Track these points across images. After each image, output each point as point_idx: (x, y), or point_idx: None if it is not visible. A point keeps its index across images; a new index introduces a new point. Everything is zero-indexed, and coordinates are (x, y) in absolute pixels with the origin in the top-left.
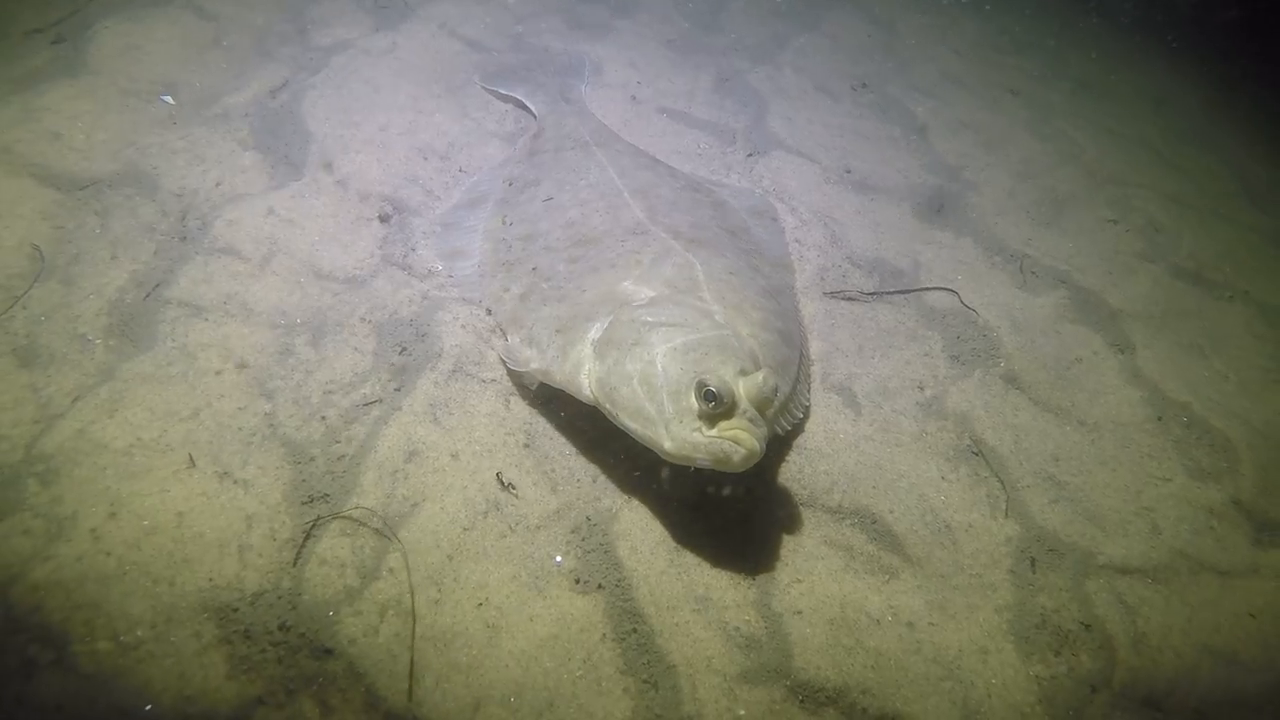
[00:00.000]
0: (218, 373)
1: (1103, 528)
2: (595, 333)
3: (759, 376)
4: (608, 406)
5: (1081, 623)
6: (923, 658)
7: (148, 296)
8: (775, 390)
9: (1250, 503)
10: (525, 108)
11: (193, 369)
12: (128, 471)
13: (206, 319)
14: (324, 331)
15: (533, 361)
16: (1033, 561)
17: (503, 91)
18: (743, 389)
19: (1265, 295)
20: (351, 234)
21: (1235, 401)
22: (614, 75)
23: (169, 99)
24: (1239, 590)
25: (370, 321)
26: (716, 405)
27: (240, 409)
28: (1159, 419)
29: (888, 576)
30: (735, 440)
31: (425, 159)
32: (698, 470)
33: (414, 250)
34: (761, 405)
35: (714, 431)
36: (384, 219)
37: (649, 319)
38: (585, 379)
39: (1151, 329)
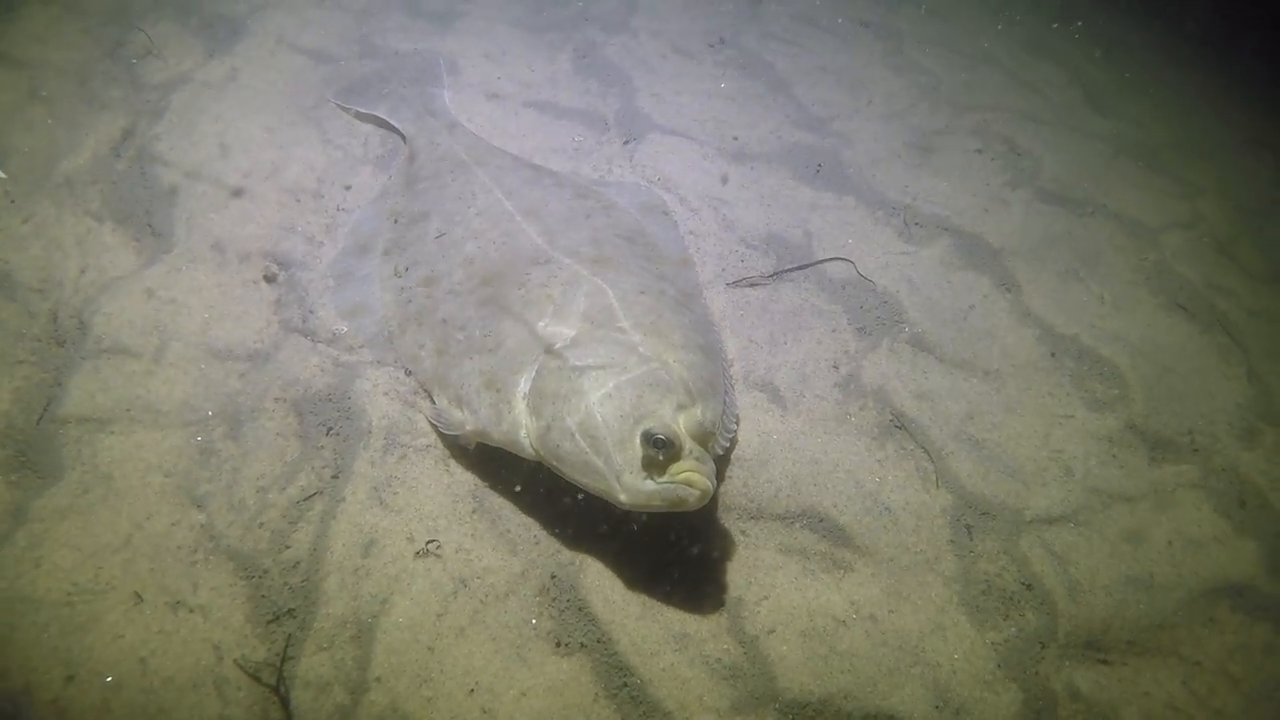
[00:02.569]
0: (139, 490)
1: (1024, 481)
2: (524, 385)
3: (697, 413)
4: (554, 464)
5: (1022, 583)
6: (890, 648)
7: (41, 419)
8: (714, 423)
9: (1143, 424)
10: (390, 126)
11: (111, 491)
12: (72, 625)
13: (112, 432)
14: (240, 420)
15: (466, 424)
16: (969, 529)
17: (362, 111)
18: (683, 428)
19: (1119, 206)
20: (241, 303)
21: (1113, 323)
22: (472, 72)
23: None
24: (1145, 513)
25: (285, 400)
26: (663, 451)
27: (173, 525)
28: (1052, 355)
29: (843, 572)
30: (688, 483)
31: (298, 201)
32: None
33: (312, 312)
34: (704, 440)
35: (665, 477)
36: (270, 279)
37: (576, 363)
38: (525, 438)
39: (1031, 262)
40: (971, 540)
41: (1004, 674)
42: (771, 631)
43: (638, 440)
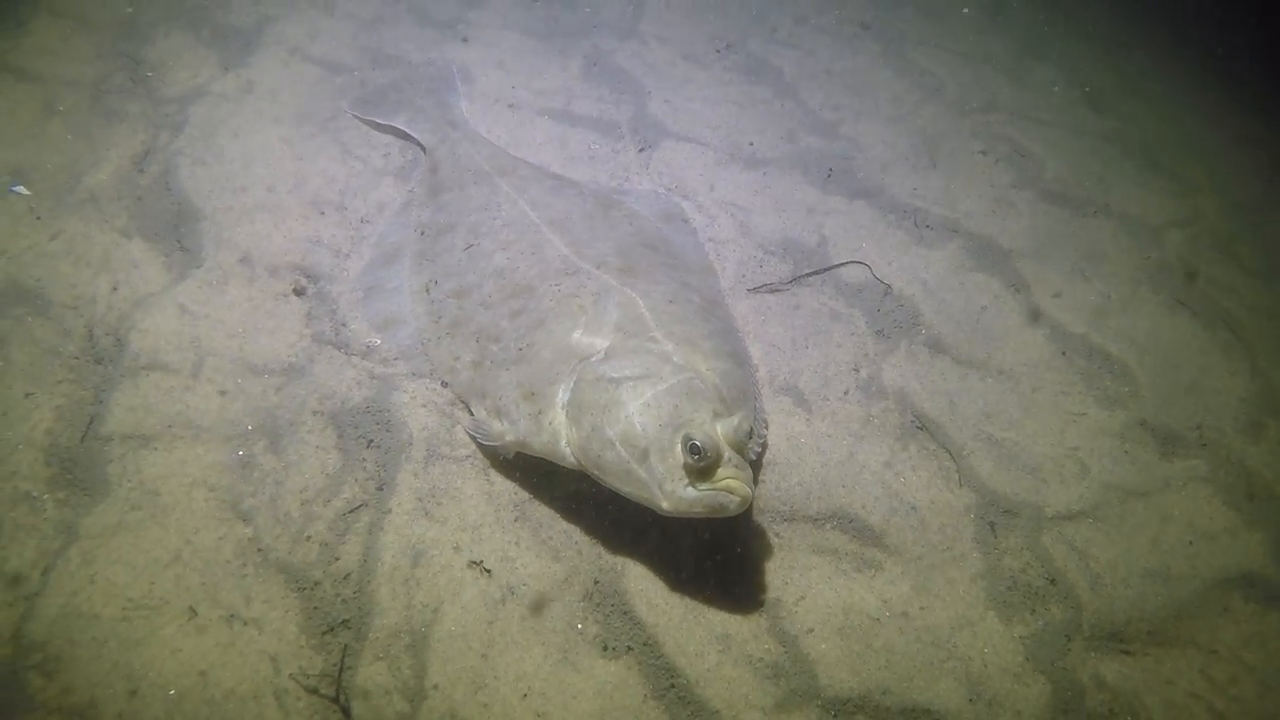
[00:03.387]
0: (185, 505)
1: (1043, 478)
2: (563, 395)
3: (734, 421)
4: (595, 472)
5: (1046, 578)
6: (923, 644)
7: (85, 436)
8: (750, 431)
9: (1152, 420)
10: (408, 136)
11: (159, 507)
12: (131, 640)
13: (155, 448)
14: (279, 434)
15: (507, 434)
16: (992, 526)
17: (380, 121)
18: (721, 435)
19: (1120, 205)
20: (273, 317)
21: (1120, 321)
22: (485, 81)
23: (21, 189)
24: (1159, 506)
25: (323, 414)
26: (703, 459)
27: (221, 539)
28: (1063, 354)
29: (874, 570)
30: (728, 490)
31: (322, 214)
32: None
33: (344, 325)
34: (740, 447)
35: (706, 484)
36: (300, 292)
37: (613, 374)
38: (566, 448)
39: (1038, 263)
40: (995, 537)
41: (1032, 666)
42: (810, 631)
43: (678, 448)
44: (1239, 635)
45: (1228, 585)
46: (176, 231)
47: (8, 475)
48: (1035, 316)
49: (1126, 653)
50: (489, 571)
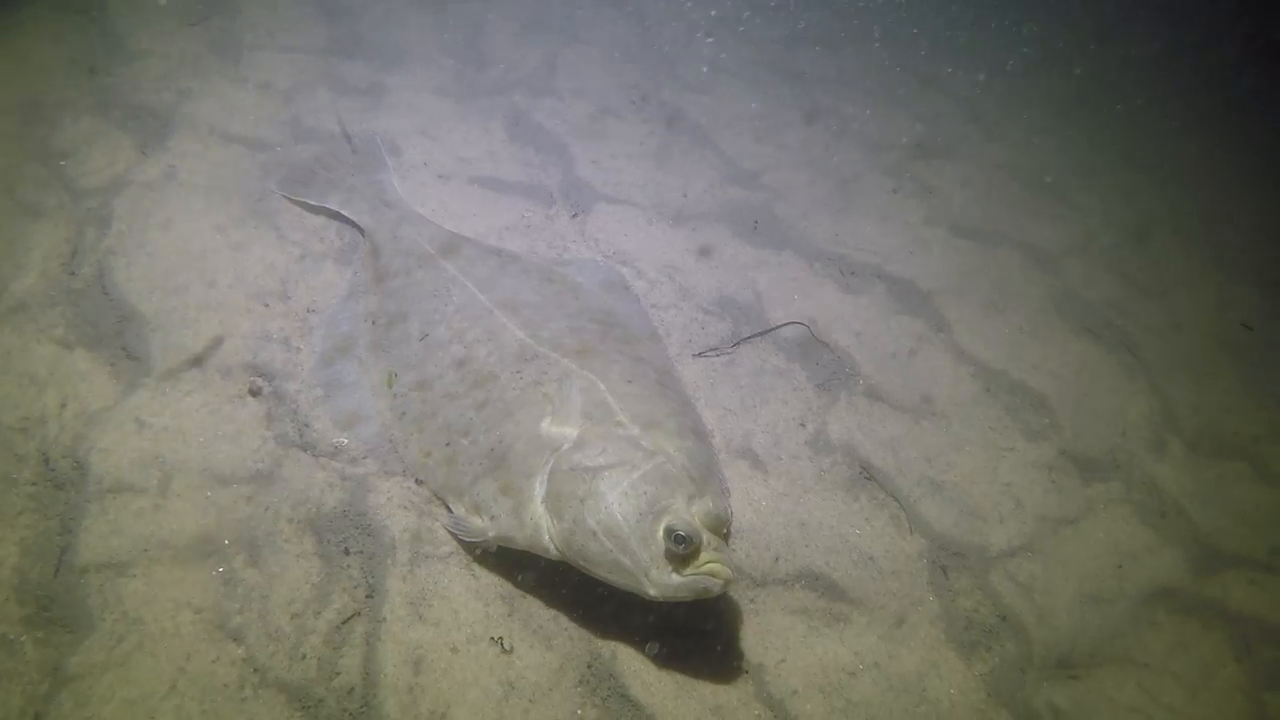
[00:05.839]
0: (172, 631)
1: (983, 518)
2: (539, 488)
3: (708, 503)
4: (581, 563)
5: (998, 615)
6: (895, 691)
7: (58, 570)
8: (723, 509)
9: (1071, 448)
10: (343, 216)
11: (146, 636)
12: None
13: (133, 575)
14: (258, 546)
15: (489, 531)
16: (944, 569)
17: (312, 203)
18: (698, 519)
19: (1022, 235)
20: (232, 422)
21: (1034, 352)
22: (411, 152)
23: None
24: (1086, 532)
25: (299, 521)
26: (685, 546)
27: (214, 662)
28: (987, 390)
29: (842, 624)
30: (712, 574)
31: (266, 306)
32: None
33: (308, 425)
34: (716, 528)
35: (689, 569)
36: (255, 393)
37: (587, 463)
38: (549, 541)
39: (956, 300)
40: (948, 579)
41: (994, 701)
42: (795, 692)
43: (659, 537)
44: (1165, 646)
45: (1153, 601)
46: (120, 338)
47: None
48: (959, 355)
49: (1074, 677)
50: (488, 664)
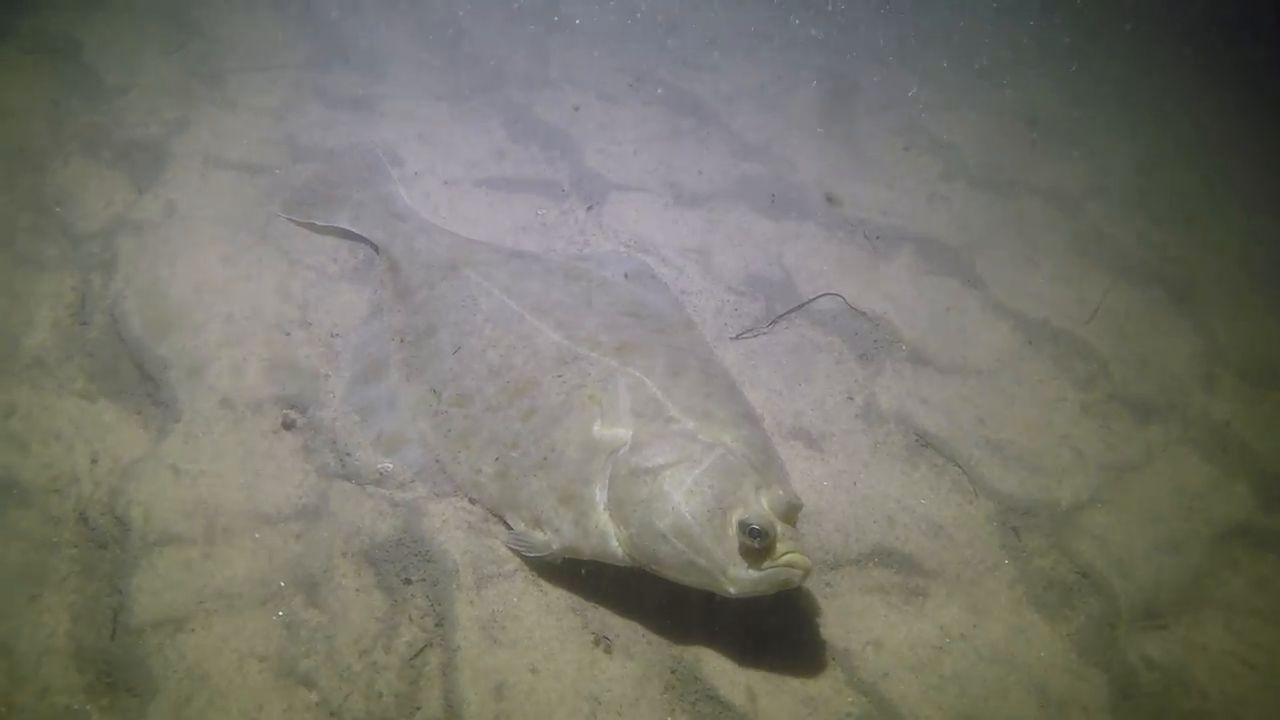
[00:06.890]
0: (240, 683)
1: (1047, 473)
2: (600, 495)
3: (777, 491)
4: (654, 567)
5: (1077, 571)
6: (986, 661)
7: (114, 633)
8: (793, 495)
9: (1123, 392)
10: (352, 234)
11: (214, 692)
12: None
13: (192, 630)
14: (315, 584)
15: (553, 543)
16: (1015, 531)
17: (320, 223)
18: (769, 509)
19: (1038, 180)
20: (271, 459)
21: (1070, 298)
22: (414, 160)
23: None
24: (1151, 477)
25: (353, 554)
26: (762, 540)
27: (287, 710)
28: (1030, 343)
29: (922, 599)
30: (791, 564)
31: (288, 334)
32: None
33: (349, 454)
34: (788, 515)
35: (767, 562)
36: (289, 426)
37: (647, 464)
38: (618, 548)
39: (985, 253)
40: (1020, 540)
41: (1086, 661)
42: (886, 674)
43: (732, 532)
44: (1247, 584)
45: (1228, 539)
46: (143, 385)
47: (40, 692)
48: (997, 309)
49: (1162, 627)
50: (610, 652)
